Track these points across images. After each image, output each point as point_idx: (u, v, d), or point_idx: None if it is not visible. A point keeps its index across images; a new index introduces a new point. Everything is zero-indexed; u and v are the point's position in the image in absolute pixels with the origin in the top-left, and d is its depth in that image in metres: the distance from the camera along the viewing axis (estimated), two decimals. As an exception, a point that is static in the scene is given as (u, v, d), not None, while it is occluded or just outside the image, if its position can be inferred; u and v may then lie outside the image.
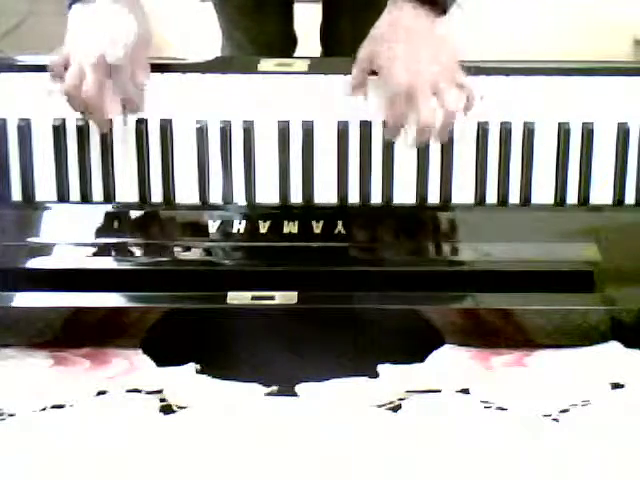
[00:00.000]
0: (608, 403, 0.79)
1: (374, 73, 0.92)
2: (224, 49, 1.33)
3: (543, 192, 0.95)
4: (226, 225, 0.92)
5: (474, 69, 0.93)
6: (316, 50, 1.29)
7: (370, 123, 0.93)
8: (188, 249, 0.91)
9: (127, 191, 0.94)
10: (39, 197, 0.95)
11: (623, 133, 0.95)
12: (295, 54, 1.29)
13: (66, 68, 0.89)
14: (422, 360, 0.86)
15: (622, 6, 2.26)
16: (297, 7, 1.29)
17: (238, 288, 0.86)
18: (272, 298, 0.86)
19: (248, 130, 0.93)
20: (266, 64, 0.94)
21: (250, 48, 1.25)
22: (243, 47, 1.25)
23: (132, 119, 0.93)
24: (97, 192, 0.94)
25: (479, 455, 0.70)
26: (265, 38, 1.26)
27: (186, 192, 0.94)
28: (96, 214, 0.94)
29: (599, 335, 0.88)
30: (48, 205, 0.94)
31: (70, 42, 0.90)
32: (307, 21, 1.32)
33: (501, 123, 0.94)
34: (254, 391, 0.80)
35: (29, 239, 0.92)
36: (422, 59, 0.88)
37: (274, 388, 0.81)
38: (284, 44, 1.29)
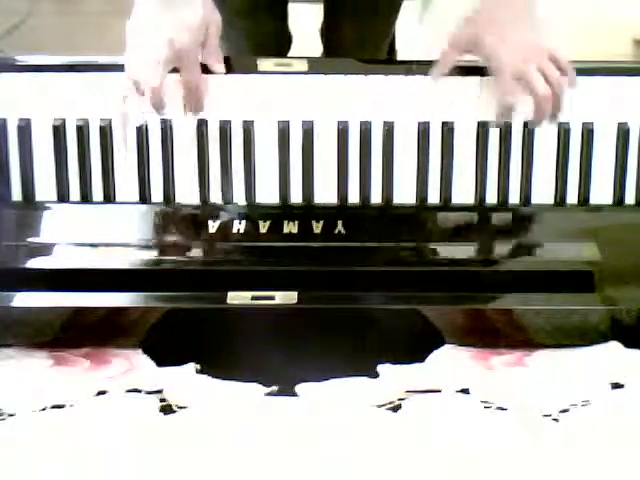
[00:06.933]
0: (608, 403, 0.79)
1: None
2: (221, 50, 1.33)
3: (543, 192, 0.95)
4: (226, 225, 0.92)
5: (474, 69, 0.93)
6: (315, 50, 1.29)
7: (370, 123, 0.93)
8: (188, 249, 0.91)
9: (127, 191, 0.94)
10: (39, 197, 0.94)
11: (623, 133, 0.95)
12: (290, 53, 1.29)
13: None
14: (422, 360, 0.86)
15: (622, 6, 2.26)
16: (296, 7, 1.29)
17: (238, 288, 0.86)
18: (272, 298, 0.86)
19: (248, 130, 0.93)
20: (265, 64, 0.94)
21: (246, 48, 1.25)
22: (239, 47, 1.26)
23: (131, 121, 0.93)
24: (97, 192, 0.94)
25: (479, 455, 0.70)
26: (261, 38, 1.26)
27: (186, 192, 0.94)
28: (96, 214, 0.94)
29: (599, 335, 0.88)
30: (48, 205, 0.94)
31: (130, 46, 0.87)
32: (306, 21, 1.32)
33: (501, 123, 0.94)
34: (254, 391, 0.80)
35: (29, 239, 0.92)
36: (525, 39, 0.90)
37: (274, 388, 0.81)
38: (280, 43, 1.29)
